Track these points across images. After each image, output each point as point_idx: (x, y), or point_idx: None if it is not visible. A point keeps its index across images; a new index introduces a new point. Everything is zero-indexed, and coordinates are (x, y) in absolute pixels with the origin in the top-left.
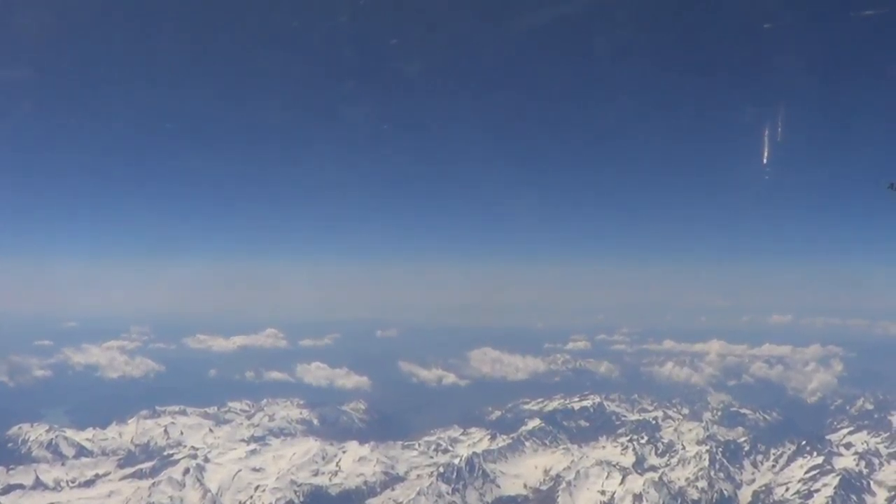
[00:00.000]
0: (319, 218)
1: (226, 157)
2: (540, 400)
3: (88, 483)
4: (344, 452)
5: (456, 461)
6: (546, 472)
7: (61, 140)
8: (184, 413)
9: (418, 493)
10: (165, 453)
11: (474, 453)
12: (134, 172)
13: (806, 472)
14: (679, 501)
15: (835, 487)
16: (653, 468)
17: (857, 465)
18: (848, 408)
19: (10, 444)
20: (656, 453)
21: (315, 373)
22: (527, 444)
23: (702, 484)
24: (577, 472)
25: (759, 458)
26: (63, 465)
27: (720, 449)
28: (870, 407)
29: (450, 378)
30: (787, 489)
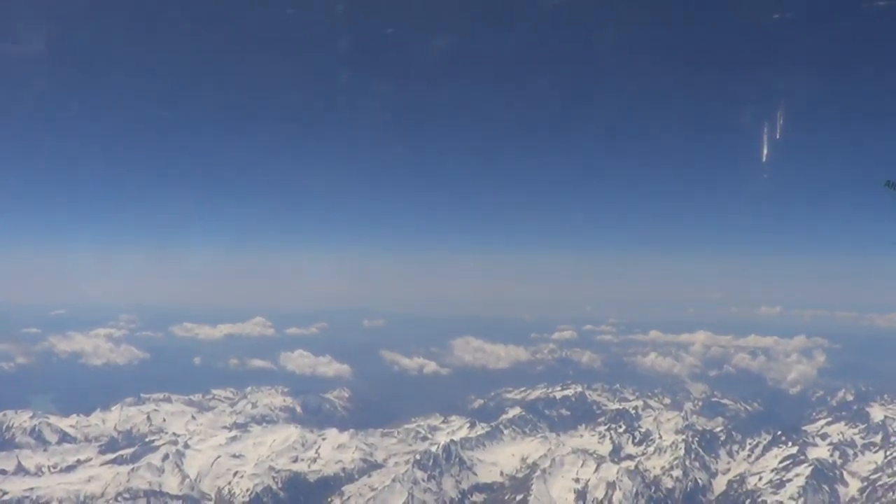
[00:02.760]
0: (311, 208)
1: (215, 148)
2: (522, 389)
3: (69, 468)
4: (323, 440)
5: (433, 449)
6: (523, 459)
7: (51, 130)
8: (168, 400)
9: (394, 480)
10: (147, 440)
11: (452, 441)
12: (124, 162)
13: (780, 462)
14: (653, 490)
15: (807, 477)
16: (629, 457)
17: (832, 455)
18: (829, 399)
19: None
20: (633, 442)
21: (298, 361)
22: (505, 432)
23: (677, 473)
24: (553, 460)
25: (736, 447)
26: (45, 451)
27: (697, 438)
28: (850, 398)
29: (431, 367)
30: (760, 478)
